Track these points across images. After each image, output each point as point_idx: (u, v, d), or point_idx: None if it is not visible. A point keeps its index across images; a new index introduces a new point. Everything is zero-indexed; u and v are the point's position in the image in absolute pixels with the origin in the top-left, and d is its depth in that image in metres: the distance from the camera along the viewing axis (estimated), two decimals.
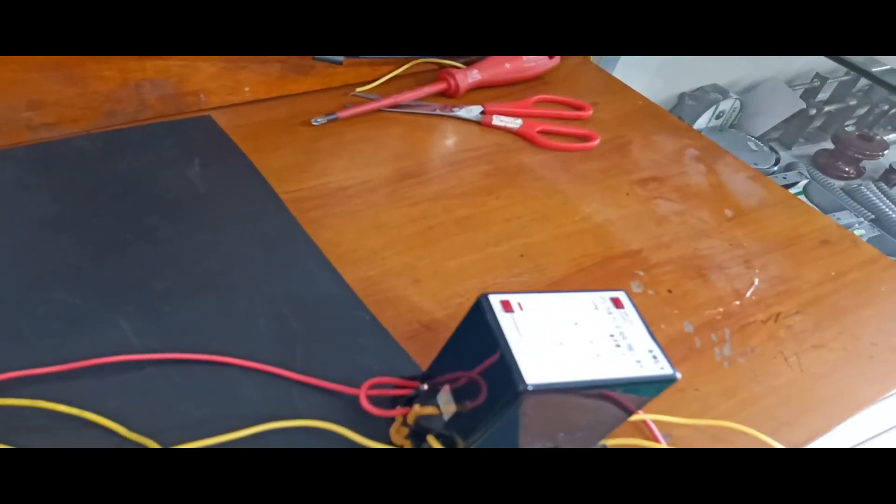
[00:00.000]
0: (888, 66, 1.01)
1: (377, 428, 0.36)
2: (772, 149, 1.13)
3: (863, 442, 0.52)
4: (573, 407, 0.31)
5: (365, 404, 0.35)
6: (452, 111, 0.63)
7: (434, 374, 0.34)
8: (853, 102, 1.25)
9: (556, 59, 0.71)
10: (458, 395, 0.32)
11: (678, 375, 0.31)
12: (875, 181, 1.15)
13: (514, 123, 0.63)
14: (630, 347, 0.31)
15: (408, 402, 0.36)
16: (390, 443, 0.36)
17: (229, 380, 0.38)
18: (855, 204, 1.08)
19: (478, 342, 0.31)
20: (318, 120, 0.58)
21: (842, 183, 1.15)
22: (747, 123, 1.19)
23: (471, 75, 0.65)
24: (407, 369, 0.40)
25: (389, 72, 0.64)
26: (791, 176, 1.11)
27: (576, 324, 0.31)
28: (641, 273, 0.51)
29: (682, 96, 1.13)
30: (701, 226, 0.57)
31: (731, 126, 1.19)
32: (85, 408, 0.34)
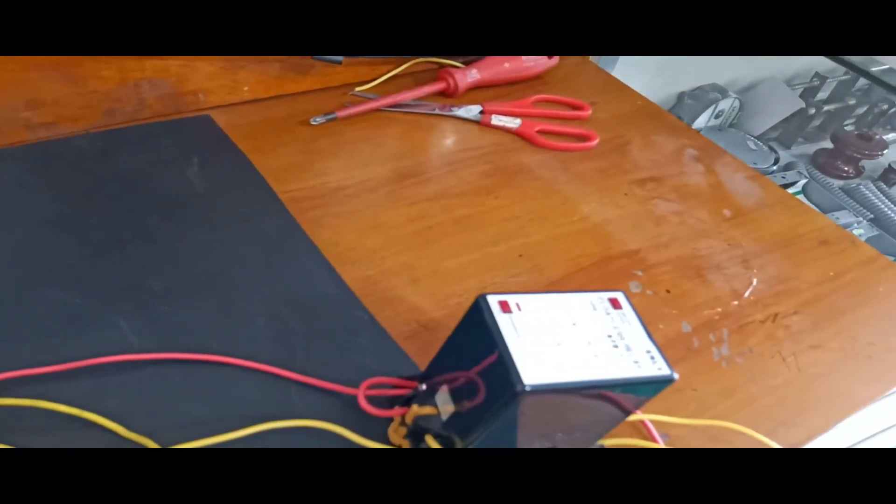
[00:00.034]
0: (887, 66, 1.01)
1: (375, 428, 0.36)
2: (771, 148, 1.13)
3: (860, 441, 0.52)
4: (571, 407, 0.31)
5: (363, 404, 0.35)
6: (451, 111, 0.63)
7: (432, 374, 0.34)
8: (852, 102, 1.25)
9: (556, 58, 0.71)
10: (456, 396, 0.32)
11: (676, 376, 0.31)
12: (874, 181, 1.15)
13: (513, 123, 0.63)
14: (628, 348, 0.31)
15: (406, 402, 0.36)
16: (388, 443, 0.36)
17: (228, 379, 0.38)
18: (854, 203, 1.08)
19: (476, 343, 0.31)
20: (317, 119, 0.58)
21: (841, 182, 1.15)
22: (746, 123, 1.19)
23: (470, 75, 0.65)
24: (405, 369, 0.40)
25: (388, 71, 0.64)
26: (790, 175, 1.11)
27: (574, 324, 0.31)
28: (640, 273, 0.51)
29: (681, 95, 1.13)
30: (699, 226, 0.57)
31: (731, 125, 1.19)
32: (83, 407, 0.34)
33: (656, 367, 0.31)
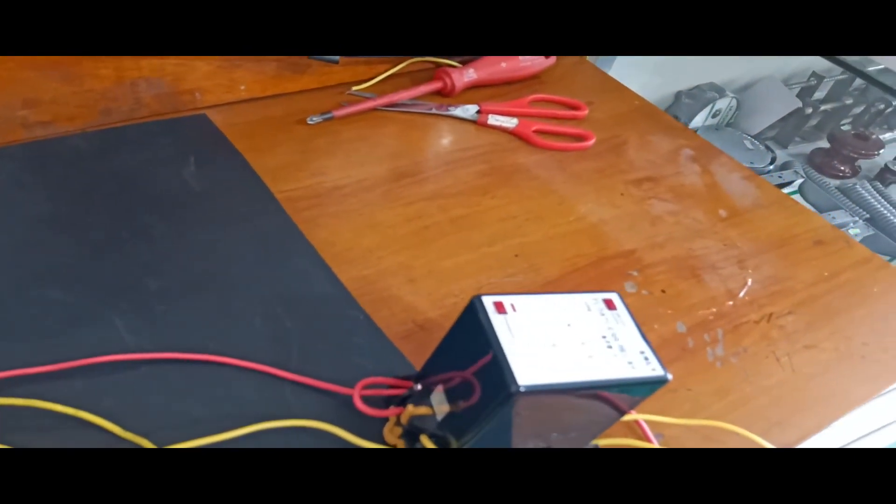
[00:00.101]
0: (883, 66, 1.02)
1: (371, 427, 0.36)
2: (768, 147, 1.13)
3: (853, 441, 0.52)
4: (565, 407, 0.32)
5: (359, 404, 0.36)
6: (448, 110, 0.63)
7: (428, 374, 0.35)
8: (849, 101, 1.25)
9: (553, 58, 0.71)
10: (451, 396, 0.32)
11: (669, 376, 0.31)
12: (870, 180, 1.16)
13: (510, 123, 0.63)
14: (622, 349, 0.31)
15: (401, 401, 0.36)
16: (384, 442, 0.36)
17: (224, 379, 0.38)
18: (850, 203, 1.08)
19: (471, 343, 0.31)
20: (314, 119, 0.58)
21: (837, 182, 1.15)
22: (744, 122, 1.19)
23: (467, 74, 0.65)
24: (401, 369, 0.41)
25: (385, 71, 0.64)
26: (787, 175, 1.11)
27: (568, 325, 0.31)
28: (635, 273, 0.51)
29: (678, 95, 1.13)
30: (695, 226, 0.57)
31: (728, 125, 1.19)
32: (79, 407, 0.34)
33: (650, 367, 0.31)
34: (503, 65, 0.67)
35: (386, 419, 0.36)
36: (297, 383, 0.38)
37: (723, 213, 0.59)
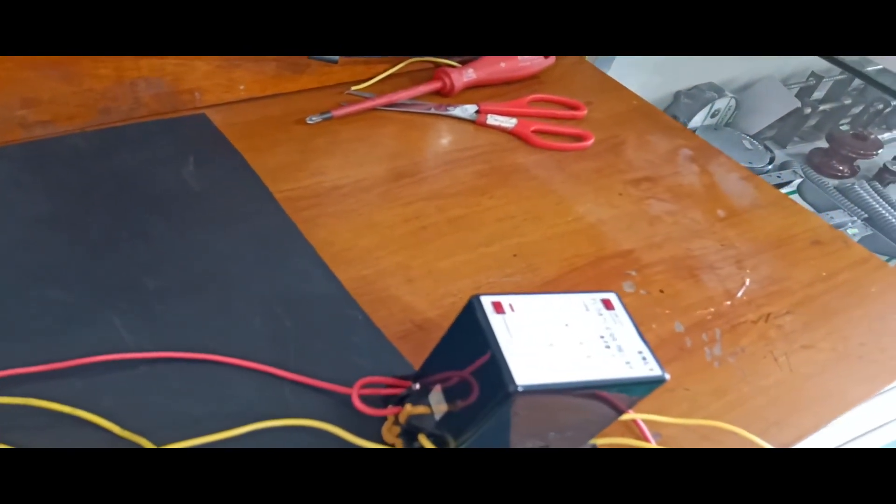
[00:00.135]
0: (881, 66, 1.02)
1: (369, 427, 0.36)
2: (766, 147, 1.13)
3: (850, 441, 0.52)
4: (563, 407, 0.32)
5: (357, 403, 0.36)
6: (447, 110, 0.63)
7: (426, 374, 0.35)
8: (848, 101, 1.26)
9: (552, 58, 0.71)
10: (449, 395, 0.32)
11: (667, 376, 0.31)
12: (869, 180, 1.16)
13: (509, 123, 0.63)
14: (620, 348, 0.31)
15: (400, 401, 0.36)
16: (382, 442, 0.36)
17: (222, 378, 0.38)
18: (848, 203, 1.08)
19: (469, 343, 0.31)
20: (313, 118, 0.58)
21: (836, 182, 1.15)
22: (742, 122, 1.19)
23: (466, 74, 0.65)
24: (399, 369, 0.41)
25: (384, 70, 0.64)
26: (785, 174, 1.11)
27: (566, 325, 0.32)
28: (633, 273, 0.51)
29: (677, 94, 1.14)
30: (693, 226, 0.57)
31: (727, 124, 1.19)
32: (78, 406, 0.34)
33: (648, 367, 0.31)
34: (502, 65, 0.67)
35: (384, 418, 0.36)
36: (295, 382, 0.38)
37: (721, 213, 0.59)
